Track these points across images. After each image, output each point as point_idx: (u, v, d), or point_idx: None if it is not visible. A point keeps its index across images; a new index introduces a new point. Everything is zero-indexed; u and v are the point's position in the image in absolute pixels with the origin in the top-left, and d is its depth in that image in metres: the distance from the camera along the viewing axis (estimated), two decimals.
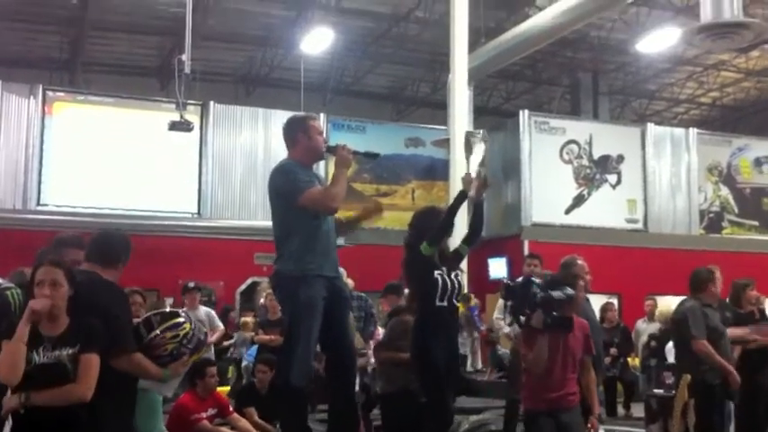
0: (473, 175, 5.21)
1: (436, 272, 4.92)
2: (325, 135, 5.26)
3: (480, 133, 4.77)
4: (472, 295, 14.05)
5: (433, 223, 5.05)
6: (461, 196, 5.03)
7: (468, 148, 4.99)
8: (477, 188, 5.20)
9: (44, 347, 3.52)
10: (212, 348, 9.72)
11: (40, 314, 3.52)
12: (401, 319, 6.06)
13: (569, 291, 5.07)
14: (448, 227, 4.99)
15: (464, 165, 10.94)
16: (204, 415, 6.50)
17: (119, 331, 3.91)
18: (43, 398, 3.47)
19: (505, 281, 5.24)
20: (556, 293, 4.98)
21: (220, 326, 9.99)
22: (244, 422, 6.79)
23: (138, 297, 5.84)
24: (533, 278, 5.40)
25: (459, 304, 5.10)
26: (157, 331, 4.09)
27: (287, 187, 4.72)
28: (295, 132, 4.94)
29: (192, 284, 10.06)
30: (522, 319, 5.09)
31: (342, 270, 8.98)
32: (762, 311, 7.63)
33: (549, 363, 4.90)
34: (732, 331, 6.59)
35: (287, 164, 4.86)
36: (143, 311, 5.23)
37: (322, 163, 5.97)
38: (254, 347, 10.10)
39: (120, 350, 3.86)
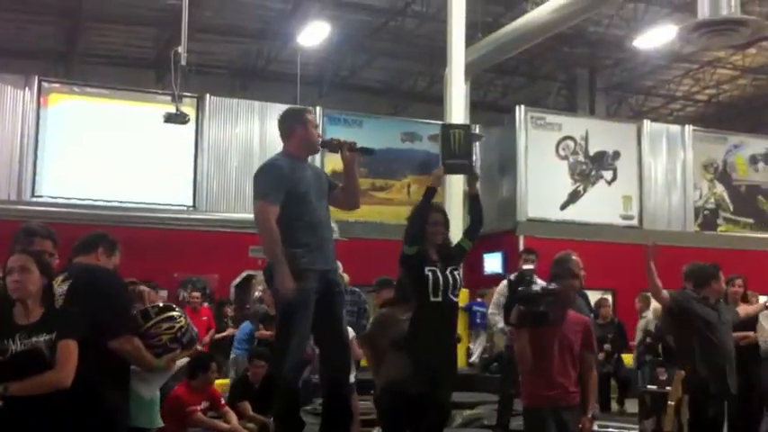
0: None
1: (427, 268, 4.87)
2: (319, 129, 5.26)
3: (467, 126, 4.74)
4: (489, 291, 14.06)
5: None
6: (429, 192, 5.00)
7: (446, 142, 4.88)
8: (471, 181, 5.19)
9: (20, 335, 3.50)
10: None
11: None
12: (382, 311, 6.04)
13: (550, 285, 5.04)
14: (420, 224, 4.93)
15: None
16: (198, 407, 6.53)
17: (120, 313, 4.01)
18: (22, 387, 3.44)
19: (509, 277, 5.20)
20: (534, 288, 4.96)
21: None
22: (232, 415, 6.82)
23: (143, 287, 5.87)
24: (524, 272, 5.38)
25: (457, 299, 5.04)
26: (154, 320, 4.15)
27: (255, 187, 4.75)
28: (291, 124, 4.95)
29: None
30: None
31: (338, 264, 8.96)
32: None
33: (545, 359, 4.87)
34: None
35: (274, 163, 4.85)
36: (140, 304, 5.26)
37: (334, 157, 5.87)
38: (240, 339, 10.06)
39: (122, 331, 3.92)
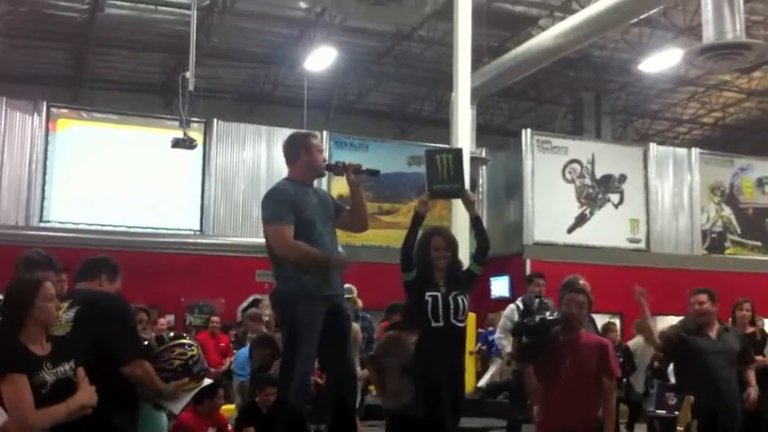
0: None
1: (427, 293, 4.85)
2: (325, 153, 5.29)
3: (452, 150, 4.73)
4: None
5: (421, 247, 5.01)
6: (415, 219, 5.00)
7: (431, 167, 4.90)
8: (465, 205, 5.19)
9: (46, 366, 3.46)
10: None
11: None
12: (390, 334, 6.03)
13: (549, 316, 4.97)
14: (408, 251, 4.94)
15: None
16: None
17: (129, 337, 4.03)
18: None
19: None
20: (535, 318, 4.93)
21: None
22: None
23: (143, 315, 5.87)
24: (526, 300, 5.37)
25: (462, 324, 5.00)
26: (168, 344, 4.21)
27: (266, 213, 4.79)
28: (296, 149, 4.97)
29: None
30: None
31: (353, 288, 8.95)
32: (763, 332, 7.63)
33: (554, 386, 4.80)
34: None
35: (280, 188, 4.89)
36: (149, 329, 5.28)
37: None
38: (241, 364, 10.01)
39: (132, 356, 3.95)
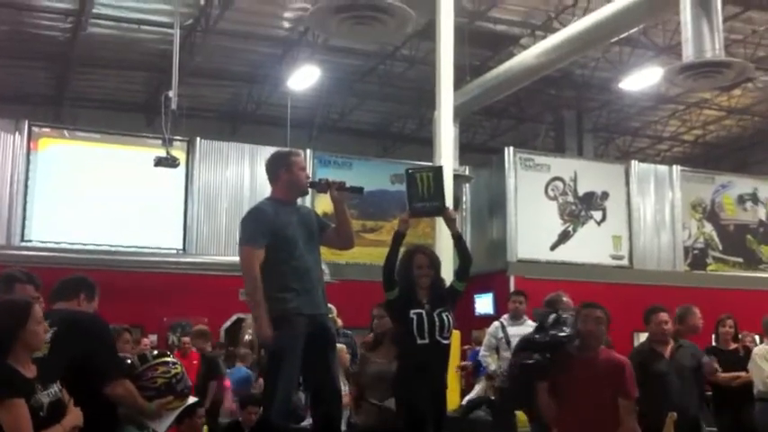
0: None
1: (412, 311, 4.87)
2: (309, 171, 5.32)
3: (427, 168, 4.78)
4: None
5: (404, 266, 5.03)
6: (396, 237, 5.02)
7: (412, 186, 4.93)
8: (446, 223, 5.22)
9: (39, 388, 3.43)
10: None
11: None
12: (363, 353, 6.09)
13: (559, 333, 4.96)
14: (390, 270, 4.96)
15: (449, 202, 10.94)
16: None
17: (109, 357, 4.03)
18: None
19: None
20: (546, 335, 4.93)
21: None
22: None
23: (127, 335, 5.86)
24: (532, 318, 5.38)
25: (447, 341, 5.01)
26: (151, 363, 4.20)
27: (242, 232, 4.82)
28: (277, 168, 4.98)
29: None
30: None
31: (332, 308, 8.96)
32: (746, 348, 7.67)
33: (566, 407, 4.77)
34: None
35: (260, 208, 4.90)
36: (128, 348, 5.26)
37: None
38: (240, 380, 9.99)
39: (113, 375, 3.94)
